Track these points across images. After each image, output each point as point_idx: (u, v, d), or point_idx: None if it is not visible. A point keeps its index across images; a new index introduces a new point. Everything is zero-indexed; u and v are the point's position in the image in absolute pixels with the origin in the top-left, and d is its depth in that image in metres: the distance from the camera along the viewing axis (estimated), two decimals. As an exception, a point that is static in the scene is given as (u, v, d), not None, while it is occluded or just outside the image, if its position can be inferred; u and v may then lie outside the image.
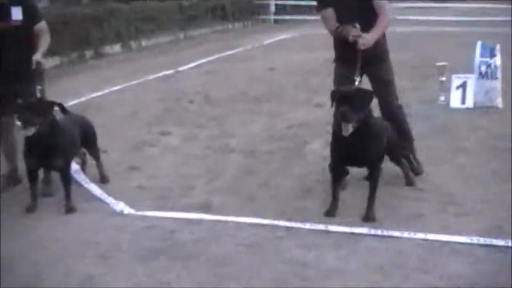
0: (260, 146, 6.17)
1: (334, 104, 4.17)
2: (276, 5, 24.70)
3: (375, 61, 4.75)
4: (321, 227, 4.13)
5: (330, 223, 4.20)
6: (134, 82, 10.27)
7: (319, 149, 5.96)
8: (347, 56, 4.75)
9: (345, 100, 4.03)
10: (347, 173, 4.79)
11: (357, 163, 4.40)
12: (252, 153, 5.94)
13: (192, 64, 12.36)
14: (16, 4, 4.87)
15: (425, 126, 6.45)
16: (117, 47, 14.92)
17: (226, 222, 4.26)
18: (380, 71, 4.89)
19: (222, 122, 7.25)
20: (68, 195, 4.64)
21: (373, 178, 4.31)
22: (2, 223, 4.31)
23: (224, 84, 9.78)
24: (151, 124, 7.22)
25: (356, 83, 4.42)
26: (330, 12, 4.87)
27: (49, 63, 10.24)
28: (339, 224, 4.18)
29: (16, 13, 4.85)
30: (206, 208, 4.54)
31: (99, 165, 5.30)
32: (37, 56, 4.81)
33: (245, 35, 18.58)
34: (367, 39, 4.53)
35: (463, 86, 7.79)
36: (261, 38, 17.22)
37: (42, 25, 5.04)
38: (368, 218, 4.25)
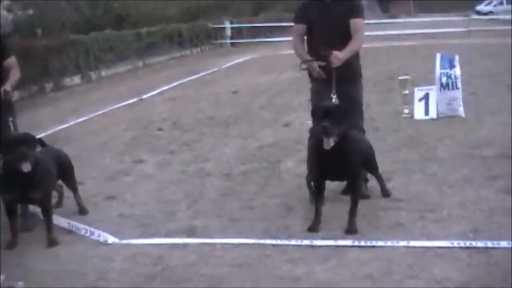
0: (235, 168, 6.24)
1: (314, 119, 4.28)
2: (232, 28, 24.99)
3: (346, 79, 4.87)
4: (306, 242, 4.21)
5: (314, 237, 4.28)
6: (99, 112, 10.25)
7: (293, 167, 6.07)
8: (325, 73, 4.87)
9: (326, 115, 4.14)
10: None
11: (338, 177, 4.50)
12: (228, 175, 6.01)
13: (155, 92, 12.40)
14: None
15: (394, 139, 6.64)
16: (76, 79, 14.88)
17: (212, 244, 4.30)
18: (351, 90, 5.00)
19: (194, 147, 7.31)
20: (49, 228, 4.60)
21: (354, 191, 4.42)
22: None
23: (190, 109, 9.85)
24: (123, 153, 7.22)
25: (333, 99, 4.54)
26: (300, 29, 5.02)
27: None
28: (324, 238, 4.27)
29: None
30: (190, 232, 4.57)
31: (77, 197, 5.27)
32: (6, 86, 4.81)
33: (203, 60, 18.74)
34: (338, 57, 4.67)
35: (426, 97, 8.04)
36: (220, 62, 17.40)
37: (12, 60, 5.04)
38: (351, 230, 4.34)
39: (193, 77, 14.39)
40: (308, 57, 4.98)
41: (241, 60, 17.77)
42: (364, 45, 5.05)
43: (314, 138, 4.39)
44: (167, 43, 20.11)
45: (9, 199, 4.52)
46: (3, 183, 4.47)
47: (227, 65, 16.79)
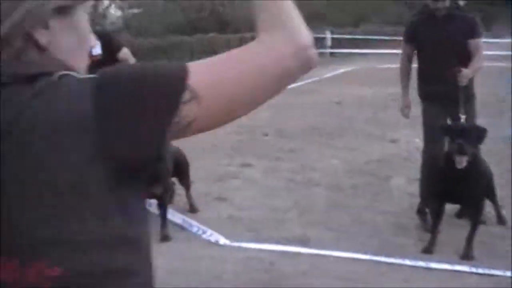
0: (343, 180, 6.20)
1: (446, 138, 4.18)
2: (332, 38, 24.90)
3: (463, 100, 4.74)
4: (422, 263, 4.13)
5: (429, 260, 4.19)
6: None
7: (403, 185, 5.97)
8: (436, 93, 4.77)
9: (460, 134, 4.05)
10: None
11: (462, 200, 4.37)
12: (336, 187, 5.98)
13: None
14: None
15: (501, 164, 6.36)
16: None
17: (325, 256, 4.29)
18: (468, 110, 4.85)
19: (299, 155, 7.32)
20: (164, 224, 4.74)
21: (476, 216, 4.29)
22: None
23: (293, 117, 9.88)
24: (231, 156, 7.34)
25: (462, 119, 4.42)
26: (410, 49, 4.93)
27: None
28: (439, 261, 4.17)
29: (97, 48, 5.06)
30: (302, 241, 4.58)
31: (189, 195, 5.41)
32: None
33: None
34: (468, 75, 4.55)
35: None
36: (320, 72, 17.32)
37: (125, 52, 5.23)
38: (467, 256, 4.22)
39: (294, 85, 14.40)
40: (408, 97, 4.90)
41: (341, 71, 17.66)
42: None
43: (435, 159, 4.29)
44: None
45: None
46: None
47: (328, 75, 16.72)
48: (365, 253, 4.28)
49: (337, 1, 26.43)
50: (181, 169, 5.22)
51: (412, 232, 4.74)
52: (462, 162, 4.02)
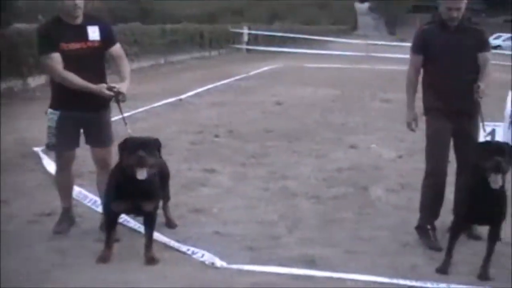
0: (322, 190, 5.86)
1: (478, 157, 3.91)
2: (249, 34, 24.69)
3: (468, 115, 4.56)
4: (443, 285, 3.86)
5: (446, 281, 3.94)
6: (140, 110, 9.81)
7: (385, 196, 5.73)
8: (446, 107, 4.55)
9: (498, 152, 3.82)
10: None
11: (488, 221, 4.14)
12: (316, 198, 5.63)
13: (191, 93, 12.01)
14: (93, 24, 4.46)
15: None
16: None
17: (340, 279, 3.92)
18: (471, 126, 4.67)
19: (263, 161, 6.92)
20: (150, 244, 4.17)
21: (495, 237, 4.08)
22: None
23: (240, 117, 9.47)
24: (188, 159, 6.82)
25: (484, 137, 4.21)
26: (419, 60, 4.66)
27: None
28: (459, 283, 3.93)
29: (94, 33, 4.45)
30: (308, 262, 4.18)
31: (166, 208, 4.86)
32: (122, 86, 4.42)
33: (225, 64, 18.37)
34: (483, 90, 4.34)
35: (492, 133, 7.72)
36: (244, 68, 17.03)
37: (117, 48, 4.63)
38: (484, 276, 4.03)
39: (225, 81, 14.02)
40: (414, 110, 4.67)
41: (266, 68, 17.42)
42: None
43: (469, 178, 4.03)
44: (188, 42, 19.71)
45: (118, 209, 4.10)
46: (115, 191, 4.05)
47: (253, 72, 16.43)
48: (379, 275, 3.95)
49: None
50: (162, 180, 4.66)
51: (417, 249, 4.48)
52: (498, 181, 3.79)
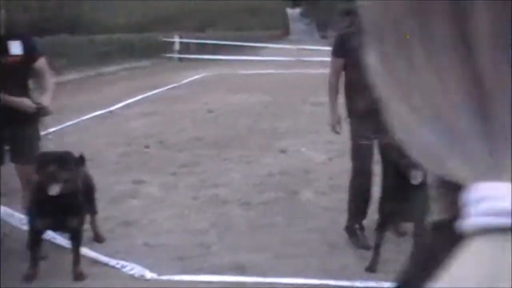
0: (252, 196, 5.86)
1: (398, 154, 3.98)
2: (181, 43, 24.53)
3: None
4: (372, 284, 3.93)
5: (375, 279, 4.01)
6: (68, 123, 9.58)
7: (314, 199, 5.79)
8: (367, 108, 4.62)
9: None
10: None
11: (411, 218, 4.22)
12: (247, 204, 5.63)
13: (121, 104, 11.82)
14: (14, 38, 4.33)
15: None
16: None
17: (272, 284, 3.93)
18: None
19: (194, 169, 6.87)
20: (78, 259, 4.09)
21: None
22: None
23: (171, 127, 9.37)
24: (116, 172, 6.70)
25: None
26: (339, 63, 4.73)
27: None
28: (387, 280, 4.00)
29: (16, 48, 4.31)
30: (239, 269, 4.18)
31: (94, 222, 4.75)
32: (44, 100, 4.30)
33: (156, 74, 18.16)
34: None
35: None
36: (176, 78, 16.87)
37: (42, 63, 4.50)
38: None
39: (156, 91, 13.86)
40: (337, 113, 4.79)
41: (198, 76, 17.33)
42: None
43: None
44: (118, 53, 19.45)
45: (41, 226, 3.98)
46: (36, 208, 3.93)
47: (185, 81, 16.32)
48: (310, 277, 3.99)
49: (185, 6, 26.07)
50: (87, 193, 4.56)
51: (346, 250, 4.54)
52: (417, 177, 3.88)
